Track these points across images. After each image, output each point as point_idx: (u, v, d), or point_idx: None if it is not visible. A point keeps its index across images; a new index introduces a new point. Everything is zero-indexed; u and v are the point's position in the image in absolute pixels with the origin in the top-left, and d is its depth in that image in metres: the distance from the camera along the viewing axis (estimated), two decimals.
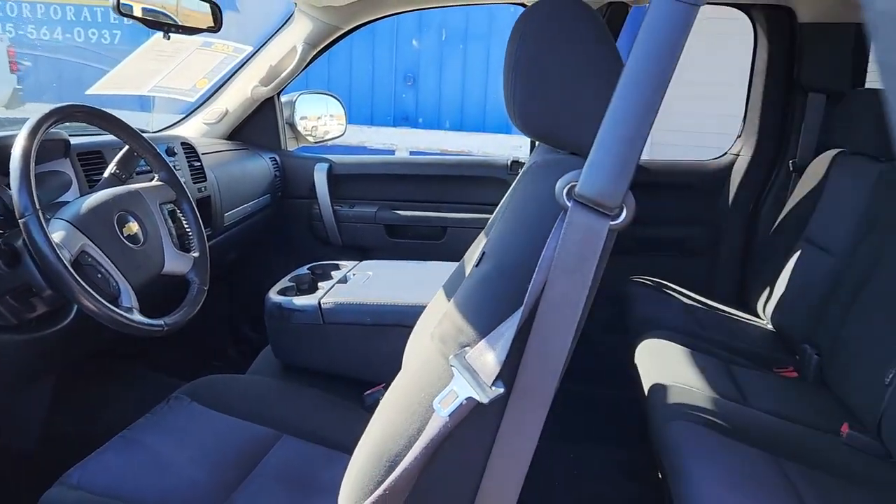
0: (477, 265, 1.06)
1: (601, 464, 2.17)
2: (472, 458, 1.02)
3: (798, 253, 2.26)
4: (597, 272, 0.97)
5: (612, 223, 0.91)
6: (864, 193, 2.00)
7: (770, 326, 2.32)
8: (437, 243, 2.60)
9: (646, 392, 1.73)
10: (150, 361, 2.20)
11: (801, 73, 2.44)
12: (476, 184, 2.59)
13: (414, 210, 2.60)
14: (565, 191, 0.92)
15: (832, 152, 2.28)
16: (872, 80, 2.39)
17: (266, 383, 1.62)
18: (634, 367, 1.93)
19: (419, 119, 8.32)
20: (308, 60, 2.42)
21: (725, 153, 2.69)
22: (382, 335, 1.68)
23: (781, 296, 2.25)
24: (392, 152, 7.96)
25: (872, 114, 2.01)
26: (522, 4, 2.44)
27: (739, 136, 2.67)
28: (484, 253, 1.05)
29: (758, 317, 2.41)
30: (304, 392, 1.60)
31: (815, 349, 1.97)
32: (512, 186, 1.21)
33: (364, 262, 2.07)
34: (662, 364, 1.83)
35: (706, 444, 1.42)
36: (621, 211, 0.91)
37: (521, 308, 0.94)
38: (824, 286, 2.02)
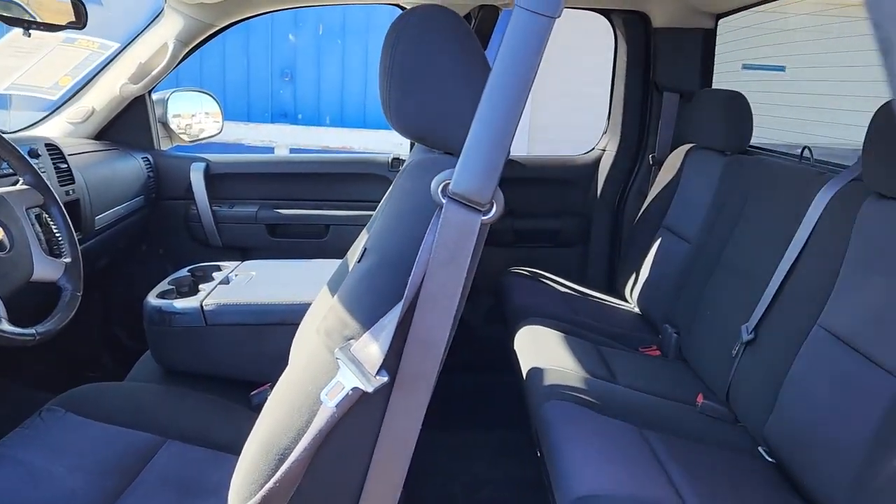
0: (359, 261, 1.10)
1: (482, 446, 2.27)
2: (359, 447, 1.07)
3: (658, 241, 2.46)
4: (472, 264, 1.04)
5: (483, 218, 0.99)
6: (712, 184, 2.20)
7: (637, 309, 2.50)
8: (320, 241, 2.60)
9: (524, 376, 1.84)
10: (20, 374, 2.08)
11: (656, 73, 2.64)
12: (357, 181, 2.61)
13: (295, 209, 2.59)
14: (440, 188, 0.98)
15: (686, 147, 2.49)
16: (720, 81, 2.61)
17: (147, 389, 1.59)
18: (514, 353, 2.04)
19: (298, 115, 8.18)
20: (180, 58, 2.36)
21: (593, 149, 2.87)
22: (268, 334, 1.68)
23: (645, 281, 2.44)
24: (271, 150, 7.79)
25: (717, 111, 2.21)
26: (399, 6, 2.49)
27: (605, 133, 2.85)
28: (366, 249, 1.09)
29: (626, 301, 2.59)
30: (188, 396, 1.58)
31: (675, 328, 2.16)
32: (392, 184, 1.26)
33: (246, 263, 2.05)
34: (539, 349, 1.94)
35: (578, 421, 1.53)
36: (492, 206, 0.99)
37: (402, 300, 0.99)
38: (680, 270, 2.21)
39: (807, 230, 1.64)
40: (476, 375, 2.67)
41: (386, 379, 1.02)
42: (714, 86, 2.57)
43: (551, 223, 2.79)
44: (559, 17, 0.86)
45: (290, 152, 7.47)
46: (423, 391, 1.05)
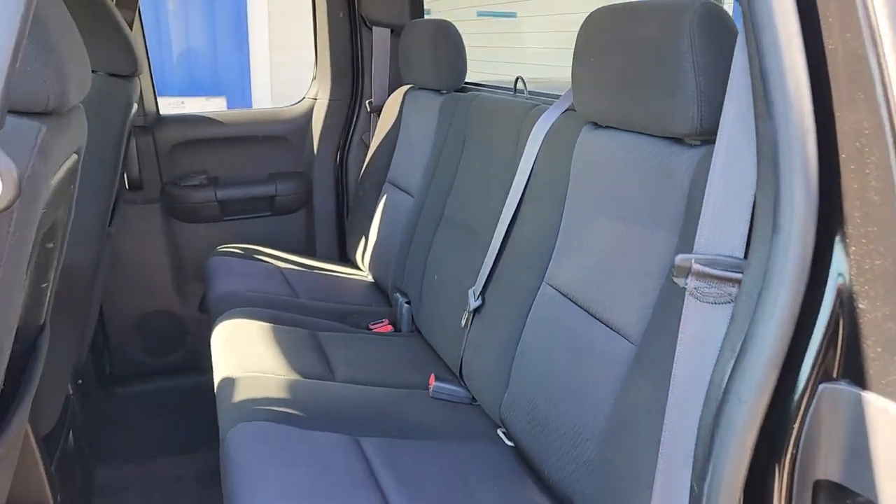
0: None
1: (178, 477, 1.85)
2: None
3: (384, 197, 2.16)
4: (12, 258, 0.64)
5: None
6: (430, 128, 1.93)
7: (370, 278, 2.20)
8: None
9: (216, 389, 1.44)
10: None
11: (361, 6, 2.30)
12: None
13: None
14: None
15: (403, 89, 2.20)
16: (435, 11, 2.34)
17: None
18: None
19: None
20: None
21: (303, 98, 2.48)
22: None
23: (375, 244, 2.14)
24: None
25: (427, 46, 1.93)
26: None
27: (314, 79, 2.47)
28: None
29: (358, 270, 2.27)
30: None
31: (406, 297, 1.88)
32: None
33: None
34: (237, 349, 1.55)
35: (269, 444, 1.17)
36: None
37: None
38: (405, 230, 1.93)
39: (525, 172, 1.40)
40: (190, 377, 2.23)
41: None
42: (426, 17, 2.30)
43: (264, 188, 2.37)
44: None
45: None
46: None
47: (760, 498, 0.72)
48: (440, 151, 1.85)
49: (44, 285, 1.03)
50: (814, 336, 0.66)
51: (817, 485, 0.67)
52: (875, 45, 0.59)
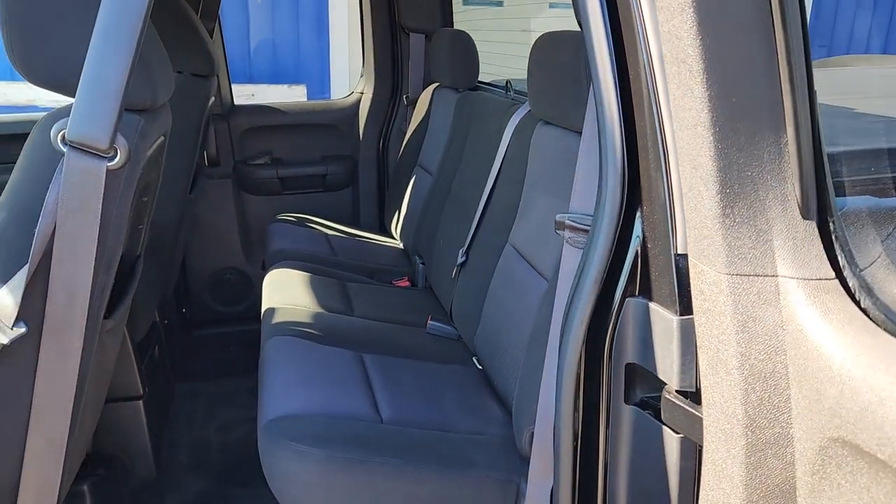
0: None
1: (236, 392, 2.34)
2: (14, 401, 1.07)
3: (414, 178, 2.57)
4: (108, 211, 1.05)
5: (109, 164, 1.00)
6: (448, 120, 2.33)
7: (401, 245, 2.62)
8: None
9: (262, 317, 1.89)
10: None
11: (401, 15, 2.71)
12: None
13: None
14: (59, 137, 0.98)
15: (433, 86, 2.60)
16: (460, 21, 2.73)
17: None
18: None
19: None
20: None
21: (352, 92, 2.92)
22: None
23: (404, 216, 2.56)
24: None
25: (446, 50, 2.32)
26: None
27: (362, 77, 2.91)
28: None
29: (393, 238, 2.70)
30: None
31: (421, 258, 2.29)
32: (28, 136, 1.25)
33: None
34: (279, 289, 2.00)
35: (292, 352, 1.61)
36: (116, 153, 1.00)
37: (30, 251, 0.99)
38: (425, 203, 2.34)
39: (500, 156, 1.79)
40: (255, 324, 2.70)
41: (23, 330, 1.02)
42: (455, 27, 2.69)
43: (317, 168, 2.83)
44: None
45: None
46: (73, 339, 1.07)
47: (596, 376, 1.08)
48: (452, 139, 2.24)
49: (140, 227, 1.49)
50: (623, 269, 1.02)
51: (628, 366, 1.03)
52: (648, 67, 0.91)
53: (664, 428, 0.95)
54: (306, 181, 2.83)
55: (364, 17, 2.77)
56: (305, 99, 7.23)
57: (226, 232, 2.74)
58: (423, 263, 2.27)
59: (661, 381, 0.93)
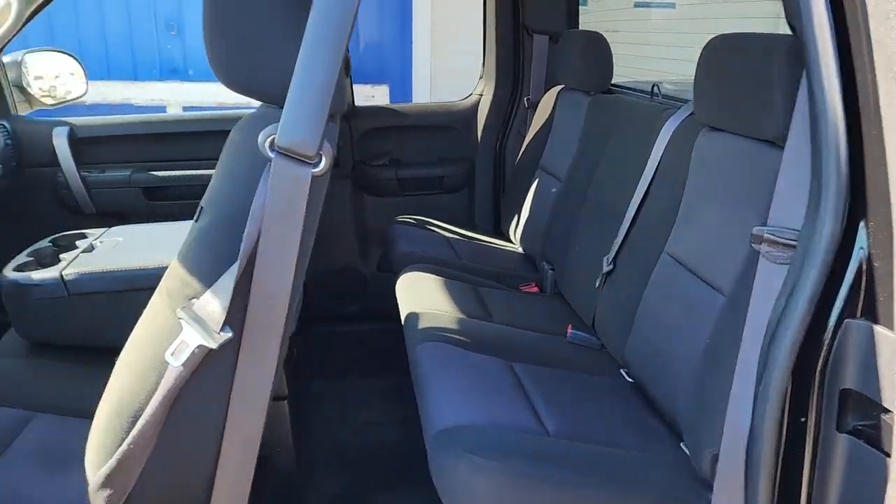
0: (196, 220, 1.10)
1: (369, 392, 2.35)
2: (212, 404, 1.09)
3: (536, 181, 2.53)
4: (310, 217, 1.06)
5: (314, 171, 1.00)
6: (578, 123, 2.28)
7: (520, 249, 2.59)
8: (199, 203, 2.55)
9: (403, 321, 1.89)
10: None
11: (525, 16, 2.68)
12: None
13: (172, 170, 2.52)
14: (267, 143, 0.99)
15: (557, 88, 2.56)
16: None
17: (10, 364, 1.55)
18: (396, 300, 2.09)
19: (189, 71, 7.80)
20: (27, 15, 2.22)
21: (471, 94, 2.90)
22: (134, 300, 1.65)
23: (525, 221, 2.52)
24: (163, 109, 7.43)
25: (578, 53, 2.28)
26: None
27: (481, 78, 2.88)
28: (202, 208, 1.09)
29: (511, 242, 2.67)
30: (56, 367, 1.55)
31: (551, 265, 2.25)
32: (227, 140, 1.27)
33: (114, 229, 2.00)
34: (417, 293, 2.00)
35: (447, 359, 1.60)
36: (321, 159, 1.00)
37: (238, 256, 1.00)
38: (553, 208, 2.30)
39: (653, 164, 1.73)
40: (369, 324, 2.72)
41: (230, 335, 1.03)
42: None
43: (435, 170, 2.82)
44: None
45: (184, 111, 7.15)
46: (272, 343, 1.08)
47: (802, 401, 1.03)
48: (586, 143, 2.20)
49: None
50: (841, 288, 0.97)
51: (843, 392, 0.98)
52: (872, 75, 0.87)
53: (887, 459, 0.90)
54: (424, 182, 2.83)
55: (487, 18, 2.75)
56: (388, 100, 7.33)
57: (343, 232, 2.76)
58: (552, 270, 2.24)
59: (881, 407, 0.88)
